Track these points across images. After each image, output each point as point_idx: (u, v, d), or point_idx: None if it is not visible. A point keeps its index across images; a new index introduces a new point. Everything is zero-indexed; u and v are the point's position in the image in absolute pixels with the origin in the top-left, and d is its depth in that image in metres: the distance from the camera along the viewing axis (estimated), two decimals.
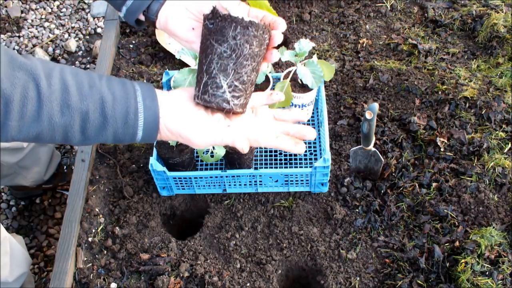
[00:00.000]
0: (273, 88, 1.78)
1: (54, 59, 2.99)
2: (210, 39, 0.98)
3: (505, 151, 1.84)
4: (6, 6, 3.01)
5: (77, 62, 2.96)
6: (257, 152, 1.89)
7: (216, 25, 0.97)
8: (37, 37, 2.96)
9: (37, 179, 2.07)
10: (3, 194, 2.24)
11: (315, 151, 1.88)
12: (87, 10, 2.93)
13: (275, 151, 1.89)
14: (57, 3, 2.97)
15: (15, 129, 0.78)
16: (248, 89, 1.01)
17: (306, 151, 1.89)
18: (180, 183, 1.76)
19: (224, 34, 0.96)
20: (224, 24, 0.96)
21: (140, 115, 0.87)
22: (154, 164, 1.67)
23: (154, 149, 1.71)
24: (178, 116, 0.91)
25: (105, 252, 1.73)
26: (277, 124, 1.05)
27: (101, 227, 1.78)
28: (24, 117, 0.77)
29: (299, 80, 1.80)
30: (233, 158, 1.71)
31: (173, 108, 0.92)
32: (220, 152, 1.59)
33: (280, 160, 1.87)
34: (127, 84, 0.89)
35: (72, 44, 2.91)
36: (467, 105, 1.96)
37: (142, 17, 1.05)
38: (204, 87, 0.97)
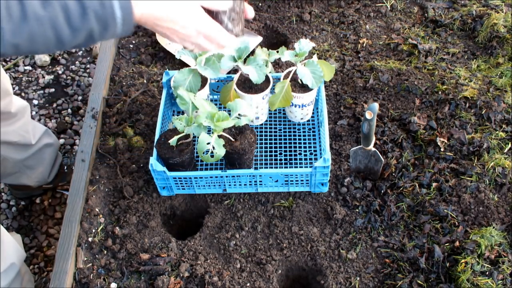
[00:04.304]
0: (273, 88, 1.78)
1: (54, 59, 2.99)
2: None
3: (505, 151, 1.84)
4: None
5: (77, 62, 2.97)
6: (257, 152, 1.89)
7: None
8: None
9: (41, 180, 2.07)
10: (3, 194, 2.24)
11: (315, 151, 1.89)
12: None
13: (275, 151, 1.89)
14: None
15: (9, 31, 0.86)
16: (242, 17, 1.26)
17: (306, 151, 1.89)
18: (180, 183, 1.76)
19: None
20: None
21: None
22: (154, 164, 1.67)
23: (154, 149, 1.71)
24: None
25: (105, 252, 1.73)
26: None
27: (101, 227, 1.78)
28: (13, 17, 0.86)
29: (299, 80, 1.80)
30: (233, 158, 1.71)
31: None
32: (220, 152, 1.59)
33: (280, 160, 1.87)
34: None
35: None
36: (467, 105, 1.96)
37: None
38: None
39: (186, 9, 1.03)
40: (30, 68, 2.93)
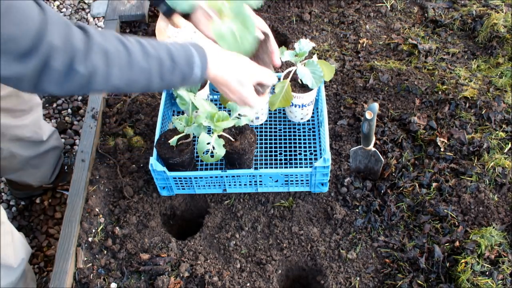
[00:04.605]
0: (273, 88, 1.78)
1: None
2: None
3: (505, 151, 1.84)
4: None
5: None
6: (257, 152, 1.89)
7: None
8: None
9: (42, 179, 2.07)
10: (3, 194, 2.24)
11: (315, 151, 1.89)
12: (87, 10, 2.92)
13: (275, 151, 1.89)
14: (57, 3, 2.97)
15: (116, 76, 1.02)
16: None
17: (306, 151, 1.89)
18: (180, 183, 1.76)
19: None
20: None
21: (196, 58, 1.15)
22: (154, 164, 1.67)
23: (154, 149, 1.71)
24: (218, 55, 1.22)
25: (105, 252, 1.73)
26: None
27: (101, 227, 1.78)
28: (121, 65, 1.02)
29: (299, 80, 1.80)
30: (233, 158, 1.71)
31: (214, 50, 1.22)
32: (220, 152, 1.59)
33: (280, 160, 1.87)
34: (178, 41, 1.18)
35: None
36: (467, 105, 1.96)
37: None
38: None
39: (238, 82, 1.27)
40: None
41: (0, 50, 0.86)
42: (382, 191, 1.78)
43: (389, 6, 2.44)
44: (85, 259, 1.71)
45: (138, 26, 2.50)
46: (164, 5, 1.33)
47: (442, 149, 1.85)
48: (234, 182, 1.75)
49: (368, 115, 1.54)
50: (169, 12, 1.37)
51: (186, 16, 1.35)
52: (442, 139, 1.87)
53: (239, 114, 1.64)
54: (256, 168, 1.82)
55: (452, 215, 1.70)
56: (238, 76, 1.26)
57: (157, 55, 1.09)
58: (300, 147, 1.90)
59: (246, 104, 1.33)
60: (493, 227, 1.64)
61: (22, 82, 0.93)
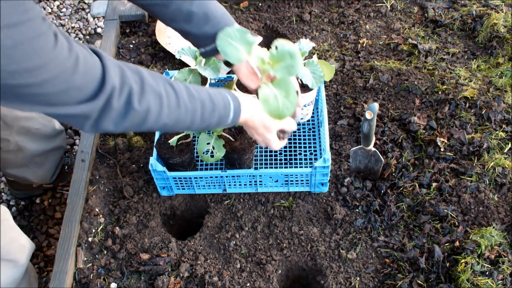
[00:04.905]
0: None
1: None
2: None
3: (505, 151, 1.84)
4: None
5: None
6: (257, 152, 1.89)
7: None
8: None
9: (44, 178, 2.08)
10: (3, 194, 2.24)
11: (315, 151, 1.89)
12: (87, 10, 2.92)
13: (275, 151, 1.89)
14: (57, 3, 2.96)
15: (166, 115, 1.13)
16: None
17: (306, 151, 1.89)
18: (180, 183, 1.76)
19: None
20: None
21: (231, 103, 1.27)
22: (154, 164, 1.67)
23: (154, 149, 1.71)
24: (250, 103, 1.35)
25: (105, 252, 1.73)
26: None
27: (101, 227, 1.78)
28: (171, 105, 1.13)
29: (299, 80, 1.80)
30: (233, 158, 1.71)
31: (247, 100, 1.35)
32: (220, 153, 1.59)
33: (280, 160, 1.87)
34: (214, 87, 1.33)
35: None
36: (467, 105, 1.96)
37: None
38: None
39: (265, 128, 1.41)
40: None
41: (67, 98, 0.96)
42: (382, 191, 1.78)
43: (389, 6, 2.44)
44: (85, 259, 1.71)
45: (138, 26, 2.50)
46: (202, 49, 1.42)
47: (442, 149, 1.85)
48: (234, 182, 1.75)
49: (368, 115, 1.54)
50: (208, 55, 1.47)
51: (229, 63, 1.44)
52: (442, 139, 1.87)
53: None
54: (256, 168, 1.82)
55: (452, 215, 1.70)
56: (265, 123, 1.39)
57: (200, 98, 1.20)
58: (300, 147, 1.90)
59: (269, 146, 1.47)
60: (493, 227, 1.64)
61: (86, 121, 1.03)
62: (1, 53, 0.82)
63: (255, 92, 1.43)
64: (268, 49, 1.87)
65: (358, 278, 1.62)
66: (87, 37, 2.82)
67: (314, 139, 1.92)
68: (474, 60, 2.20)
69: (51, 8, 3.00)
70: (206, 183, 1.76)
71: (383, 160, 1.74)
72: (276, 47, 1.33)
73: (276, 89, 1.34)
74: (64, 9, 2.95)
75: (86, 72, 0.97)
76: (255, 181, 1.75)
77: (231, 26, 1.34)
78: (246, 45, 1.33)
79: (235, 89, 1.78)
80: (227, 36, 1.31)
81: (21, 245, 1.59)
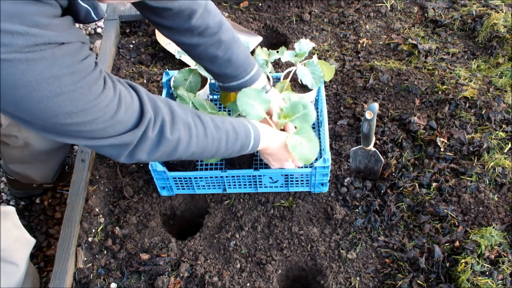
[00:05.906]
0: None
1: None
2: None
3: (505, 151, 1.84)
4: None
5: None
6: (257, 152, 1.88)
7: None
8: None
9: (45, 177, 2.08)
10: (3, 194, 2.24)
11: None
12: None
13: None
14: None
15: (194, 144, 1.22)
16: None
17: None
18: (180, 183, 1.76)
19: None
20: None
21: (252, 132, 1.38)
22: (154, 164, 1.67)
23: None
24: (268, 132, 1.49)
25: (105, 252, 1.73)
26: None
27: (101, 227, 1.78)
28: (199, 135, 1.22)
29: (299, 80, 1.80)
30: (233, 158, 1.71)
31: (266, 129, 1.48)
32: None
33: None
34: (234, 118, 1.42)
35: None
36: (467, 105, 1.96)
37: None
38: None
39: (279, 157, 1.57)
40: None
41: (111, 131, 1.05)
42: (382, 191, 1.78)
43: (389, 6, 2.44)
44: (85, 259, 1.71)
45: (138, 26, 2.50)
46: (221, 83, 1.58)
47: (442, 149, 1.85)
48: (234, 182, 1.75)
49: (368, 115, 1.54)
50: (225, 90, 1.61)
51: None
52: (442, 139, 1.87)
53: (239, 114, 1.64)
54: (256, 168, 1.82)
55: (452, 215, 1.70)
56: (283, 149, 1.52)
57: (225, 128, 1.30)
58: None
59: (283, 167, 1.63)
60: (493, 227, 1.64)
61: (124, 150, 1.11)
62: (65, 97, 0.91)
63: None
64: (268, 49, 1.87)
65: (358, 278, 1.63)
66: (87, 37, 2.82)
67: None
68: (474, 60, 2.20)
69: None
70: (206, 183, 1.76)
71: (383, 160, 1.74)
72: (290, 99, 1.58)
73: (299, 136, 1.51)
74: None
75: (128, 107, 1.06)
76: (255, 181, 1.75)
77: (249, 87, 1.52)
78: (262, 103, 1.50)
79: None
80: (245, 96, 1.48)
81: (23, 245, 1.58)
